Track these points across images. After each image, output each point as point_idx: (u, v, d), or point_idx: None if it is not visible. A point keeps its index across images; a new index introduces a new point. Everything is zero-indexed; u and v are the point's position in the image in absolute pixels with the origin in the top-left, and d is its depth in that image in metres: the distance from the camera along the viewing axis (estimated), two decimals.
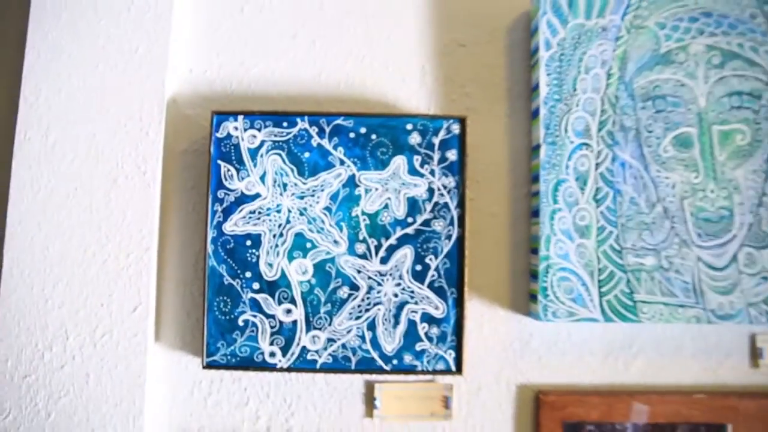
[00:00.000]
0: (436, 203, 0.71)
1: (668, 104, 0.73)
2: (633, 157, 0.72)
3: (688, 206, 0.72)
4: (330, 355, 0.69)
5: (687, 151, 0.73)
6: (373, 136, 0.71)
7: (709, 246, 0.72)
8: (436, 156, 0.71)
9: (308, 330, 0.70)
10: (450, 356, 0.70)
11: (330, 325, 0.70)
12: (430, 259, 0.70)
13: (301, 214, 0.70)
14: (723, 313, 0.71)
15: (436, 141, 0.71)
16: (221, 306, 0.69)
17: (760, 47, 0.74)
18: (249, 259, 0.70)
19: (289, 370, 0.69)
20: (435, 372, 0.70)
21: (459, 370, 0.69)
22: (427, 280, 0.70)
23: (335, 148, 0.71)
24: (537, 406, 0.72)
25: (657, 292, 0.71)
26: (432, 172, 0.71)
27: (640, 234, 0.71)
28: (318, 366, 0.69)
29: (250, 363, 0.69)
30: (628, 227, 0.71)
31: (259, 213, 0.70)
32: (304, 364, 0.69)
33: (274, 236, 0.70)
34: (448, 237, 0.70)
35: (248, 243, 0.70)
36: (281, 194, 0.70)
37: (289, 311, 0.70)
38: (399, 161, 0.71)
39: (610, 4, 0.74)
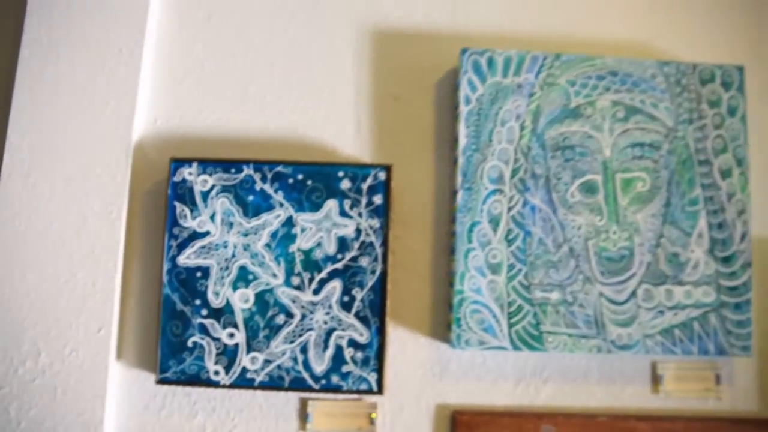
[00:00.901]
0: (363, 242, 0.80)
1: (576, 154, 0.81)
2: (543, 202, 0.81)
3: (592, 246, 0.80)
4: (267, 374, 0.78)
5: (592, 197, 0.81)
6: (309, 182, 0.80)
7: (610, 282, 0.80)
8: (364, 200, 0.80)
9: (248, 352, 0.79)
10: (372, 378, 0.78)
11: (267, 347, 0.79)
12: (357, 291, 0.79)
13: (245, 249, 0.80)
14: (622, 343, 0.78)
15: (365, 186, 0.80)
16: (173, 329, 0.79)
17: (659, 103, 0.82)
18: (199, 288, 0.79)
19: (231, 386, 0.78)
20: (359, 392, 0.78)
21: (380, 390, 0.78)
22: (354, 310, 0.79)
23: (276, 192, 0.80)
24: (453, 425, 0.80)
25: (562, 323, 0.79)
26: (360, 215, 0.80)
27: (547, 271, 0.79)
28: (256, 383, 0.78)
29: (197, 380, 0.78)
30: (536, 265, 0.79)
31: (209, 248, 0.80)
32: (243, 382, 0.78)
33: (221, 269, 0.80)
34: (373, 272, 0.79)
35: (198, 274, 0.80)
36: (228, 232, 0.80)
37: (232, 335, 0.79)
38: (331, 204, 0.80)
39: (526, 63, 0.82)
